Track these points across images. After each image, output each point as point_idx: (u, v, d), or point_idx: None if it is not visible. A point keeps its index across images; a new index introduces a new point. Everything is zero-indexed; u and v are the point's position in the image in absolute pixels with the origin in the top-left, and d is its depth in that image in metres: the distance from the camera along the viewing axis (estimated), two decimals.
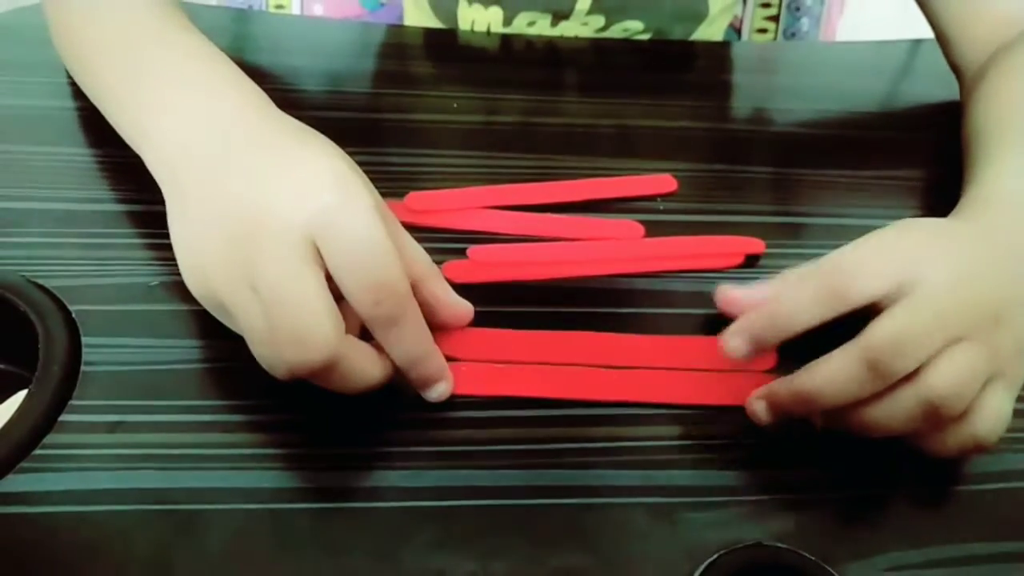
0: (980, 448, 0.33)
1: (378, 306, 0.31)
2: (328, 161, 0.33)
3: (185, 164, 0.36)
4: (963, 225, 0.37)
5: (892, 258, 0.33)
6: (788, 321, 0.33)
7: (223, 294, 0.32)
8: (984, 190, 0.40)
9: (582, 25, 0.63)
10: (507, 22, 0.63)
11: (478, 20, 0.64)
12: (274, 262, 0.31)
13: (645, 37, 0.65)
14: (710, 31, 0.66)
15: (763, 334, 0.34)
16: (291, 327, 0.30)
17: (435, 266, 0.36)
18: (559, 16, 0.63)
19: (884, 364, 0.31)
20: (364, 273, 0.31)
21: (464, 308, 0.37)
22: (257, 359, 0.32)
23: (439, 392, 0.35)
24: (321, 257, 0.31)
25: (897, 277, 0.32)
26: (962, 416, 0.32)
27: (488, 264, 0.42)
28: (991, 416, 0.32)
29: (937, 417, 0.32)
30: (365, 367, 0.33)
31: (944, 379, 0.31)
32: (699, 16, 0.65)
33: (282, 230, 0.31)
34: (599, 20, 0.63)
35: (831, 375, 0.32)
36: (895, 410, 0.32)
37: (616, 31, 0.64)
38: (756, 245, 0.43)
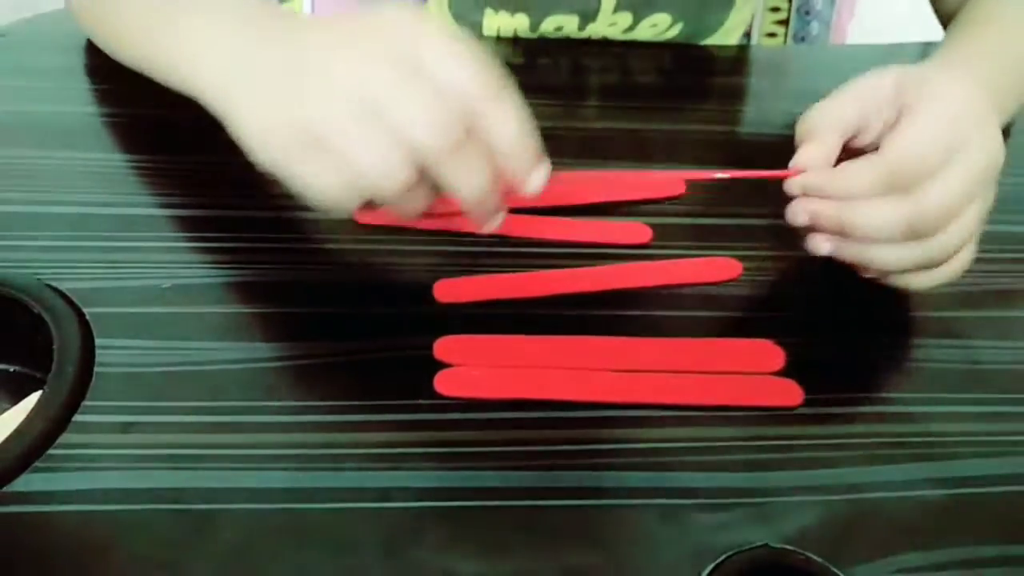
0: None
1: (484, 87, 0.32)
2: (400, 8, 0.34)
3: (249, 59, 0.36)
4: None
5: (946, 146, 0.37)
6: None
7: (303, 144, 0.33)
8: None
9: (610, 26, 0.63)
10: (534, 27, 0.62)
11: (504, 27, 0.63)
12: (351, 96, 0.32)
13: (676, 31, 0.64)
14: (740, 16, 0.65)
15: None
16: (370, 162, 0.32)
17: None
18: (585, 18, 0.62)
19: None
20: (467, 65, 0.32)
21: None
22: (331, 196, 0.33)
23: (496, 223, 0.36)
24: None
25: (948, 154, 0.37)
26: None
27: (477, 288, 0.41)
28: (965, 232, 0.38)
29: (927, 232, 0.37)
30: (419, 199, 0.34)
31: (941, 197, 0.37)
32: (729, 1, 0.64)
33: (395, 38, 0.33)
34: (627, 18, 0.62)
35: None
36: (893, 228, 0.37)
37: (644, 27, 0.63)
38: (733, 268, 0.43)
